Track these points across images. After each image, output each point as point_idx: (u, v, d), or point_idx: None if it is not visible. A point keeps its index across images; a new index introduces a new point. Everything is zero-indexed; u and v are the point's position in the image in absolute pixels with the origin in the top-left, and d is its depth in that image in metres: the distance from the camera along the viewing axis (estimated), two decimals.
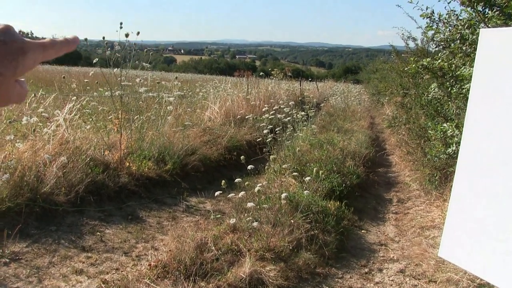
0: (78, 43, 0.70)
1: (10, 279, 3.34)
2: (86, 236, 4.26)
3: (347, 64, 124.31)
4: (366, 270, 4.11)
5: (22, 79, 0.65)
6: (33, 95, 5.86)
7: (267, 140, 6.52)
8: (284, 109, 8.34)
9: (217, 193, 4.56)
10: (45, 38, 0.65)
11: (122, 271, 3.63)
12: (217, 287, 3.27)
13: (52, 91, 7.62)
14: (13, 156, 4.55)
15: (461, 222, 1.40)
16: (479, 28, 4.16)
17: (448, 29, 4.94)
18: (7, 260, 3.59)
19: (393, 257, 4.43)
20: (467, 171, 1.39)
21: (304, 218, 4.35)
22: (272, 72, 15.37)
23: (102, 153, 5.69)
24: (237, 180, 4.65)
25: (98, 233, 4.36)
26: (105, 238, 4.29)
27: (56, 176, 4.64)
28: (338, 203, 5.09)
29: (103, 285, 3.32)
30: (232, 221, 4.14)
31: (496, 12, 4.17)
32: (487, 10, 4.36)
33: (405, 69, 7.54)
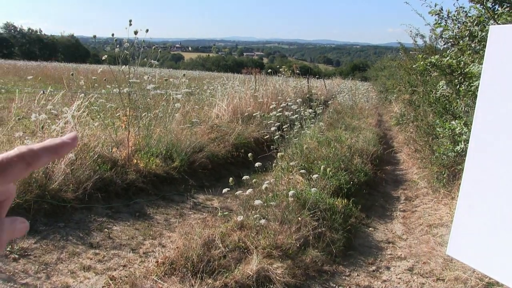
0: (76, 143, 0.50)
1: (19, 275, 3.37)
2: (94, 233, 4.28)
3: (354, 61, 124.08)
4: (374, 268, 4.10)
5: (15, 218, 0.49)
6: (41, 92, 5.89)
7: (275, 138, 6.51)
8: (292, 107, 8.32)
9: (224, 190, 4.56)
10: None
11: (129, 268, 3.64)
12: (224, 284, 3.27)
13: (60, 88, 7.66)
14: None
15: (469, 220, 1.39)
16: (489, 25, 4.13)
17: (457, 26, 4.93)
18: (16, 256, 3.61)
19: (401, 255, 4.42)
20: (476, 169, 1.38)
21: (311, 215, 4.35)
22: (281, 69, 15.33)
23: (110, 150, 5.71)
24: (244, 177, 4.64)
25: (105, 229, 4.38)
26: (112, 235, 4.30)
27: (64, 173, 4.66)
28: (345, 200, 5.09)
29: (110, 282, 3.34)
30: (240, 218, 4.14)
31: (506, 9, 4.15)
32: (496, 6, 4.35)
33: (413, 66, 7.53)
